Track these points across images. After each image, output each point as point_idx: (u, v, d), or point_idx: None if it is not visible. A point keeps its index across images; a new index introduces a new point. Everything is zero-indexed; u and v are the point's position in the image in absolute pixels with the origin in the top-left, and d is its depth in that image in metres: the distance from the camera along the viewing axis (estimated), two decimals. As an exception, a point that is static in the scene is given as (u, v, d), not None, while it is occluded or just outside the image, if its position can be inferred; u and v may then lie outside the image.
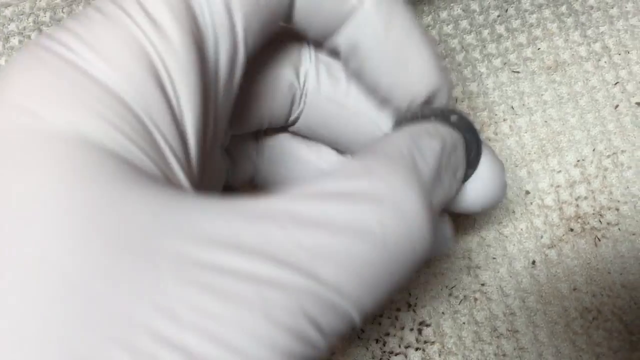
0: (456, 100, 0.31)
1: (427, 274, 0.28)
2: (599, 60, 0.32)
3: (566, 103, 0.31)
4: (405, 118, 0.19)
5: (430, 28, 0.32)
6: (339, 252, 0.13)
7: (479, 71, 0.31)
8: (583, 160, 0.30)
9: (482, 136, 0.30)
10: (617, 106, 0.31)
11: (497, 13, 0.32)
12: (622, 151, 0.30)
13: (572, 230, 0.29)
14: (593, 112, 0.31)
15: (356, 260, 0.13)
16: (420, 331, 0.28)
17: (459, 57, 0.31)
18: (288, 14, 0.18)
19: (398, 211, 0.14)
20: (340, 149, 0.22)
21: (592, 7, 0.32)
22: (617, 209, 0.30)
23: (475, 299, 0.28)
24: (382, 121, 0.21)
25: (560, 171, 0.30)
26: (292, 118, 0.21)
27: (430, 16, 0.32)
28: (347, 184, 0.14)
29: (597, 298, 0.28)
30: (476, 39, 0.32)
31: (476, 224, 0.29)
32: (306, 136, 0.22)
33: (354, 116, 0.21)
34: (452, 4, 0.32)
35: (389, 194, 0.14)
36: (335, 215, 0.13)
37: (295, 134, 0.22)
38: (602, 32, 0.32)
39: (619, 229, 0.29)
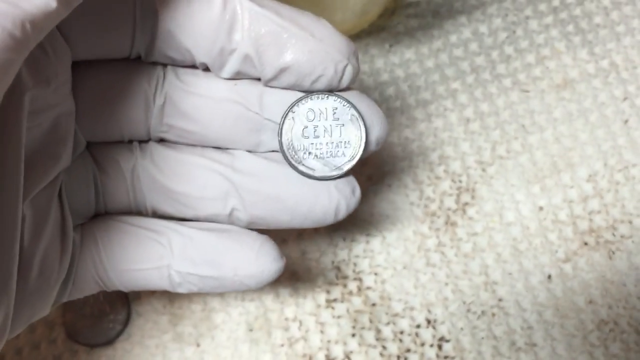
0: (468, 120, 0.32)
1: (445, 291, 0.29)
2: (607, 76, 0.32)
3: (576, 119, 0.32)
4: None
5: (440, 51, 0.33)
6: None
7: (490, 91, 0.32)
8: (595, 175, 0.31)
9: (494, 153, 0.31)
10: (626, 121, 0.32)
11: (505, 34, 0.33)
12: (634, 165, 0.31)
13: (586, 244, 0.30)
14: (603, 128, 0.32)
15: None
16: (440, 347, 0.29)
17: (470, 79, 0.32)
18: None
19: None
20: (220, 145, 0.22)
21: (598, 25, 0.33)
22: (630, 222, 0.30)
23: (493, 314, 0.29)
24: (251, 97, 0.21)
25: (572, 186, 0.31)
26: (153, 124, 0.21)
27: (440, 40, 0.33)
28: None
29: (613, 310, 0.29)
30: (486, 61, 0.33)
31: (491, 241, 0.30)
32: (185, 142, 0.22)
33: (218, 103, 0.21)
34: (461, 28, 0.33)
35: None
36: None
37: (174, 143, 0.22)
38: (609, 49, 0.33)
39: (633, 241, 0.30)
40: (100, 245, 0.22)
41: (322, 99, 0.21)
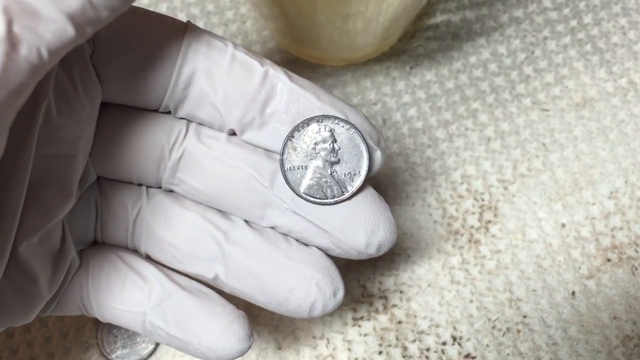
0: (489, 139, 0.32)
1: (470, 308, 0.30)
2: (626, 95, 0.33)
3: (596, 137, 0.32)
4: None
5: (460, 72, 0.33)
6: None
7: (510, 111, 0.33)
8: (616, 191, 0.31)
9: (516, 172, 0.32)
10: (646, 138, 0.32)
11: (524, 55, 0.34)
12: (654, 181, 0.31)
13: (609, 260, 0.30)
14: (623, 145, 0.32)
15: None
16: (466, 363, 0.29)
17: (490, 99, 0.33)
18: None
19: None
20: (223, 209, 0.22)
21: (616, 45, 0.34)
22: (653, 238, 0.31)
23: (518, 331, 0.30)
24: (265, 172, 0.21)
25: (594, 203, 0.31)
26: (165, 176, 0.22)
27: (460, 61, 0.34)
28: None
29: (637, 326, 0.29)
30: (505, 81, 0.33)
31: (515, 258, 0.30)
32: (192, 198, 0.22)
33: (232, 170, 0.21)
34: (480, 49, 0.34)
35: None
36: None
37: (182, 196, 0.23)
38: (627, 67, 0.33)
39: (656, 257, 0.30)
40: (90, 275, 0.22)
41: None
